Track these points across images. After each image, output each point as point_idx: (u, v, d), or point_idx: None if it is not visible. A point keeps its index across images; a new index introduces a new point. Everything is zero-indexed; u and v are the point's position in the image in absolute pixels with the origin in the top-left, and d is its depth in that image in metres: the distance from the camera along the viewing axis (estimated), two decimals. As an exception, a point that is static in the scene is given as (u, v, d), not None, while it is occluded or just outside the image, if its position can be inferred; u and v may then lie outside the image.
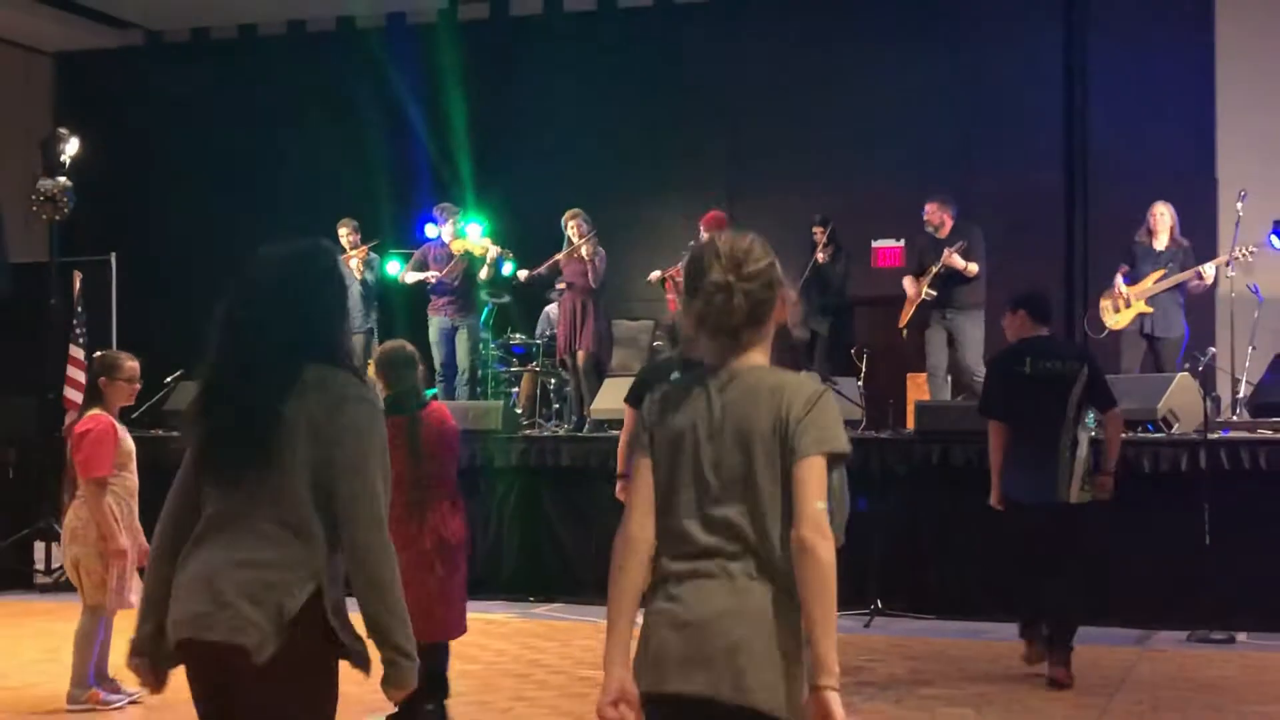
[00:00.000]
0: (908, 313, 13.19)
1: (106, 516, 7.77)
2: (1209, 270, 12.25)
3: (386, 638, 3.71)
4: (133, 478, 8.08)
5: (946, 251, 12.64)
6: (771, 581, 3.35)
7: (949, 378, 12.94)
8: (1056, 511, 8.34)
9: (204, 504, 3.78)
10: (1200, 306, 13.20)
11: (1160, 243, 12.50)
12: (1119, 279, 12.62)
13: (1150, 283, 12.40)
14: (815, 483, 3.32)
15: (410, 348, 7.29)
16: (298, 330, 3.93)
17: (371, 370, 7.35)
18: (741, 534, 3.38)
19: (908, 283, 13.17)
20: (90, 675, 7.90)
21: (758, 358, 3.55)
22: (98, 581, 7.83)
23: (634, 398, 7.84)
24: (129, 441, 8.01)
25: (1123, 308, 12.56)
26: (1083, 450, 8.40)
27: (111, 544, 7.80)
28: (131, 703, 7.84)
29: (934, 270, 12.80)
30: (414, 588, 6.66)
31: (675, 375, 4.55)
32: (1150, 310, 12.42)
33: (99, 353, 8.17)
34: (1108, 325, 12.76)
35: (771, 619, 3.33)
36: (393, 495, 6.73)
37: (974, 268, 12.68)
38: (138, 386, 8.10)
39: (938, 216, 12.96)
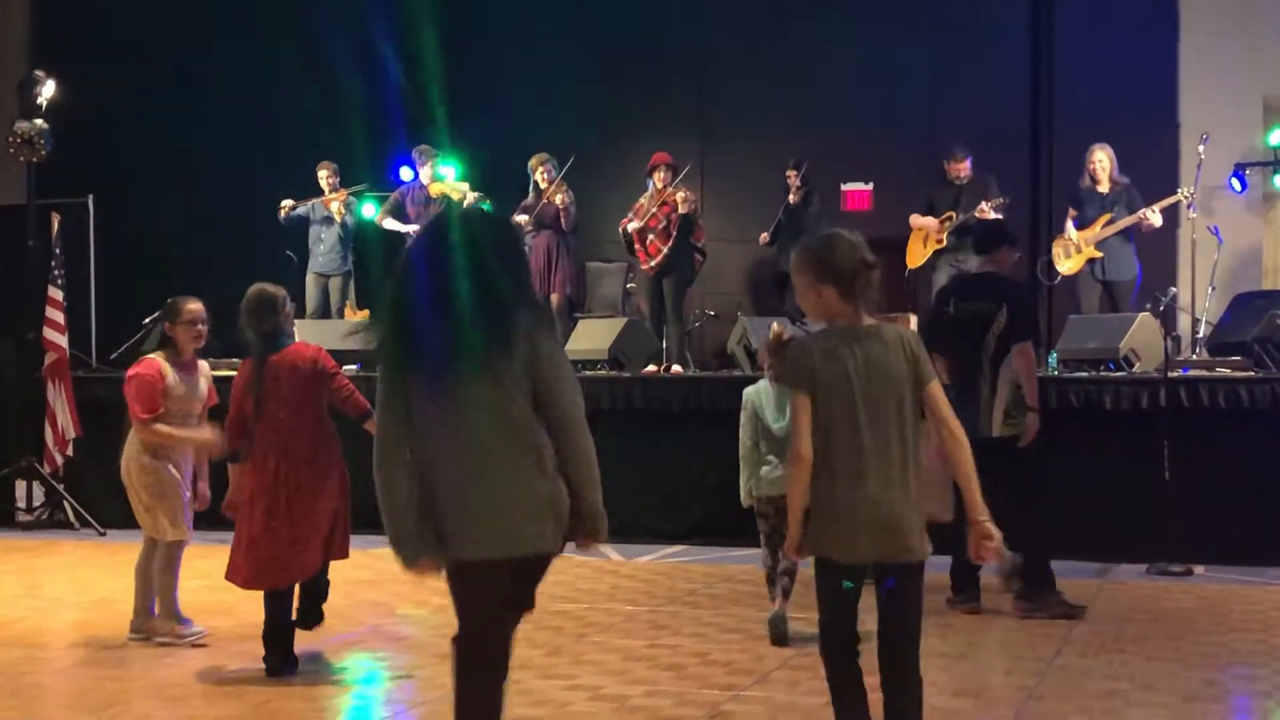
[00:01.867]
0: (922, 258, 13.31)
1: (154, 448, 7.88)
2: (1154, 216, 12.42)
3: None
4: (182, 418, 7.96)
5: (983, 206, 12.74)
6: None
7: None
8: (981, 446, 8.53)
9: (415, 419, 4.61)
10: (1161, 247, 13.40)
11: (1103, 185, 12.68)
12: (1069, 224, 12.82)
13: (1098, 227, 12.58)
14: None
15: (271, 290, 7.41)
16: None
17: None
18: None
19: (915, 220, 13.29)
20: (153, 607, 7.94)
21: None
22: (170, 517, 7.85)
23: None
24: (177, 383, 7.91)
25: (1073, 253, 12.74)
26: (1001, 388, 8.57)
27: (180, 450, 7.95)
28: (200, 640, 7.86)
29: (956, 217, 12.95)
30: (268, 533, 7.02)
31: None
32: (1100, 255, 12.61)
33: (169, 299, 8.13)
34: (1060, 271, 12.96)
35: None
36: (255, 435, 6.95)
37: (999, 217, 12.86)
38: (201, 328, 7.93)
39: (967, 171, 13.14)
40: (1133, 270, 12.67)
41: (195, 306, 8.02)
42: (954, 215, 13.03)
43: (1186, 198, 12.57)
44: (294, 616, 7.28)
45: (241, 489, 7.22)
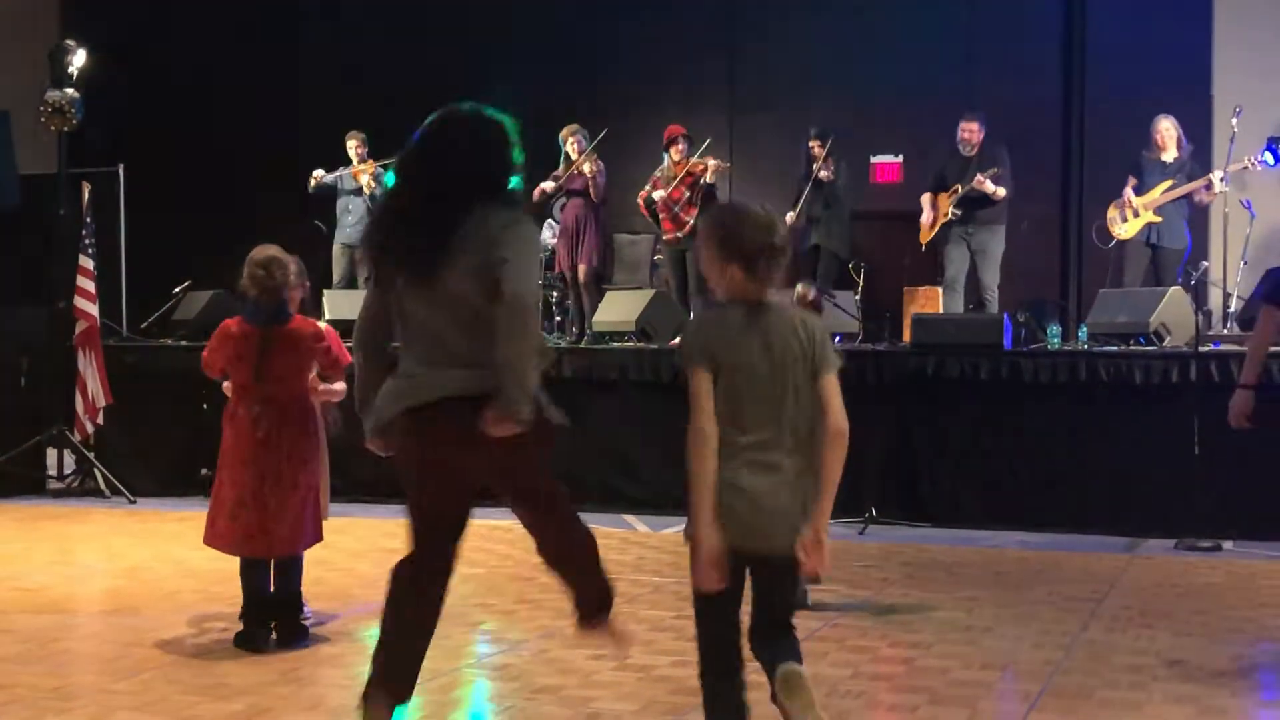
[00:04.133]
0: (931, 232, 13.29)
1: None
2: (1217, 178, 12.40)
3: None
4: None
5: (980, 177, 12.74)
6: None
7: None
8: None
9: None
10: (1194, 221, 13.34)
11: (1169, 155, 12.67)
12: (1128, 190, 12.77)
13: (1159, 193, 12.56)
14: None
15: (284, 257, 7.16)
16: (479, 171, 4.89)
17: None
18: None
19: (926, 200, 13.27)
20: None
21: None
22: None
23: None
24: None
25: (1130, 217, 12.72)
26: None
27: None
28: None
29: (960, 190, 12.92)
30: (254, 502, 6.95)
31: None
32: (1158, 220, 12.60)
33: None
34: (1115, 235, 12.92)
35: None
36: (238, 406, 6.99)
37: (1002, 192, 12.82)
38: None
39: (977, 135, 13.08)
40: (1183, 241, 12.68)
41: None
42: (959, 188, 12.98)
43: (1252, 164, 12.55)
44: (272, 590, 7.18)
45: (230, 453, 7.12)
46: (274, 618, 7.11)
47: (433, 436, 4.83)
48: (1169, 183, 12.56)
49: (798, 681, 4.49)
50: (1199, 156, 13.19)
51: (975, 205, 12.92)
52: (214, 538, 7.11)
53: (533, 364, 4.68)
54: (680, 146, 13.52)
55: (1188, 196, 12.57)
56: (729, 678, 4.59)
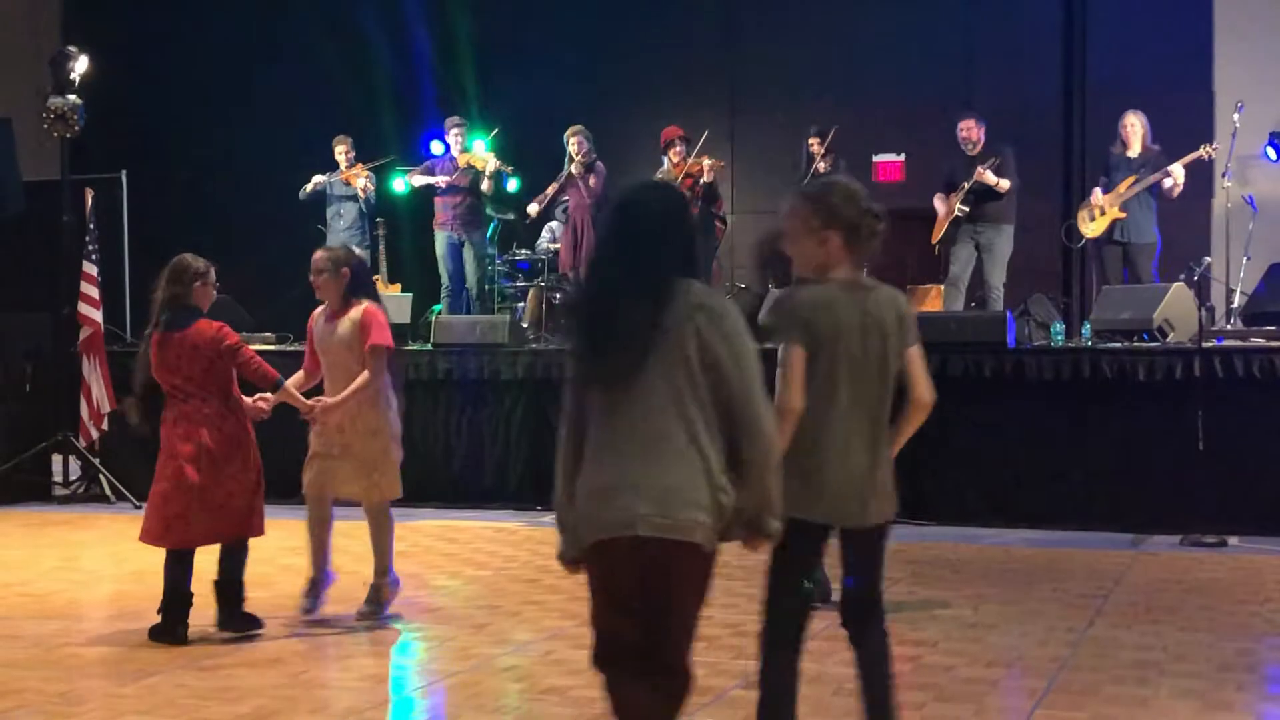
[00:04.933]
0: (941, 229, 13.29)
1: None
2: (1177, 170, 12.31)
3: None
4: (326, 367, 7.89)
5: (979, 169, 12.75)
6: None
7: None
8: None
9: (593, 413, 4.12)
10: (1195, 217, 13.34)
11: (1133, 150, 12.62)
12: (1096, 190, 12.77)
13: (1123, 188, 12.53)
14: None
15: (185, 261, 7.59)
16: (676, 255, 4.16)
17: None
18: None
19: (939, 200, 13.26)
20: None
21: None
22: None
23: None
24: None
25: (1098, 215, 12.69)
26: None
27: None
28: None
29: (965, 186, 12.92)
30: (175, 494, 7.21)
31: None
32: (1123, 216, 12.55)
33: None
34: (1085, 234, 12.91)
35: None
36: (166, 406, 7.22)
37: (1005, 184, 12.81)
38: (316, 282, 7.82)
39: (976, 133, 13.06)
40: (1152, 236, 12.60)
41: (319, 254, 7.96)
42: (964, 186, 12.97)
43: (1208, 154, 12.45)
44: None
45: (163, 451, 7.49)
46: (186, 610, 7.38)
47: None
48: (1133, 178, 12.51)
49: (882, 655, 4.70)
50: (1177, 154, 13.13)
51: (982, 201, 12.90)
52: (143, 533, 7.52)
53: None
54: (678, 148, 13.54)
55: (1158, 190, 12.49)
56: (791, 648, 4.65)
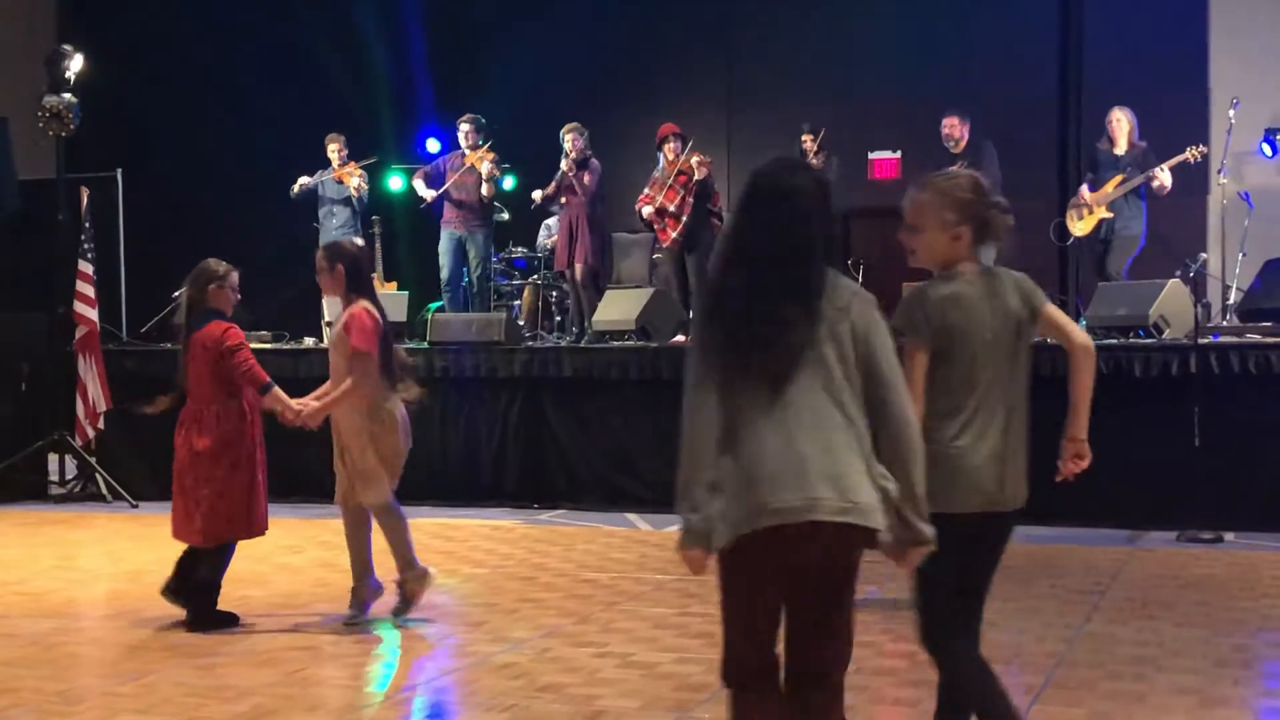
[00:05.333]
0: None
1: None
2: (1164, 174, 12.31)
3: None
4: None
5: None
6: None
7: None
8: None
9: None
10: (1191, 213, 13.34)
11: (1120, 148, 12.61)
12: (1083, 187, 12.76)
13: (1111, 187, 12.53)
14: None
15: (209, 265, 7.76)
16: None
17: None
18: None
19: None
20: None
21: None
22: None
23: None
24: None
25: (1086, 215, 12.69)
26: None
27: None
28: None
29: None
30: (174, 493, 7.48)
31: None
32: (1111, 215, 12.55)
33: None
34: (1073, 233, 12.91)
35: None
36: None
37: None
38: (319, 280, 7.85)
39: (959, 130, 13.05)
40: (1136, 232, 12.59)
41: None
42: None
43: (1195, 157, 12.44)
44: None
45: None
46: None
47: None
48: (1120, 176, 12.50)
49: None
50: (1163, 152, 13.11)
51: None
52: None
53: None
54: (673, 145, 13.54)
55: (1146, 189, 12.49)
56: (961, 636, 4.65)
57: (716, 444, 3.95)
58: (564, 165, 13.84)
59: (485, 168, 14.33)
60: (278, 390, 7.63)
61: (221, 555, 7.67)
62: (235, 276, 7.81)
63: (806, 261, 3.97)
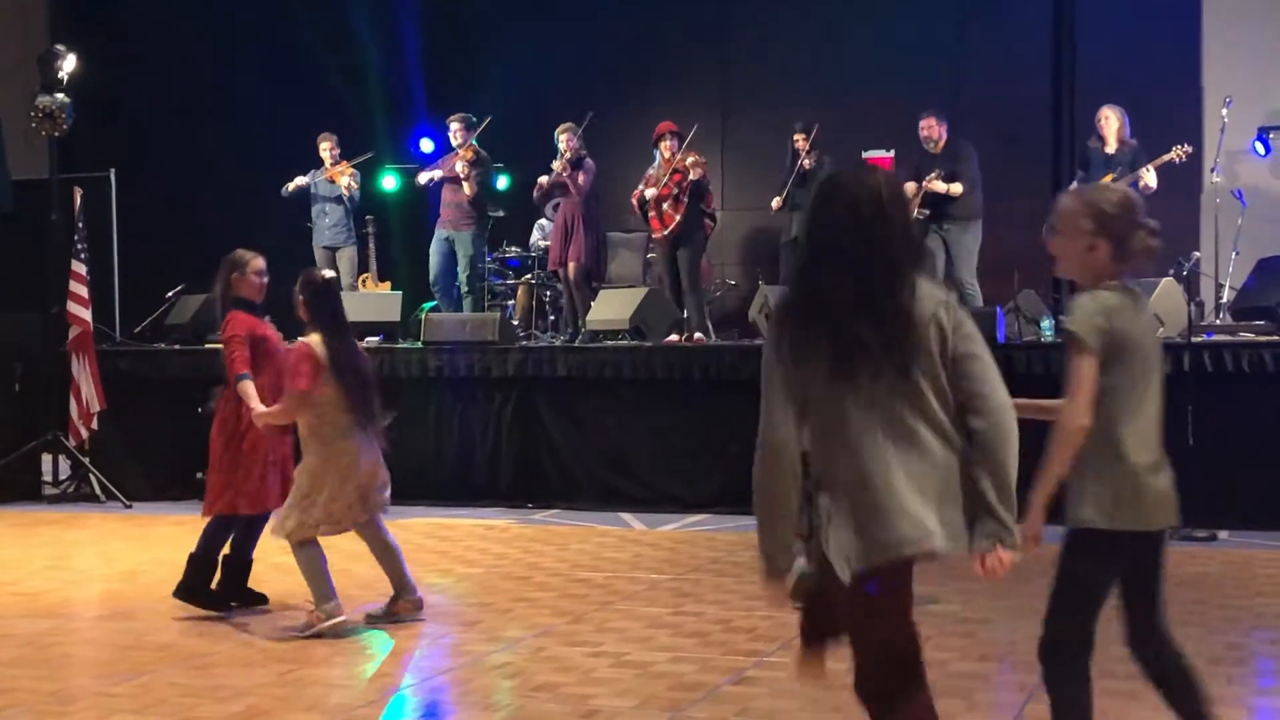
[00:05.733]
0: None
1: None
2: (1148, 175, 12.29)
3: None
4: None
5: (926, 180, 12.74)
6: None
7: None
8: None
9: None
10: (1184, 212, 13.34)
11: (1110, 146, 12.61)
12: (1073, 185, 12.76)
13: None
14: None
15: (230, 255, 8.05)
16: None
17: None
18: None
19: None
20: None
21: None
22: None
23: None
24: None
25: None
26: None
27: None
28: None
29: (920, 189, 12.91)
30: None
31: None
32: None
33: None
34: None
35: None
36: None
37: (957, 189, 12.79)
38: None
39: (936, 131, 13.05)
40: None
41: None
42: (917, 188, 12.92)
43: (1180, 156, 12.41)
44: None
45: None
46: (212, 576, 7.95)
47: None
48: (1110, 176, 12.49)
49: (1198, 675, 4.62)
50: (1155, 151, 13.09)
51: (942, 203, 12.89)
52: None
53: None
54: (669, 143, 13.53)
55: (1137, 189, 12.47)
56: (1088, 654, 4.62)
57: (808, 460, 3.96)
58: (556, 165, 13.82)
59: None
60: (247, 384, 7.70)
61: (219, 531, 7.86)
62: (259, 263, 7.98)
63: (898, 265, 3.91)
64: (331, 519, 7.42)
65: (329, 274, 8.19)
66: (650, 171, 13.70)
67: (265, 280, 7.99)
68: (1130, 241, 4.43)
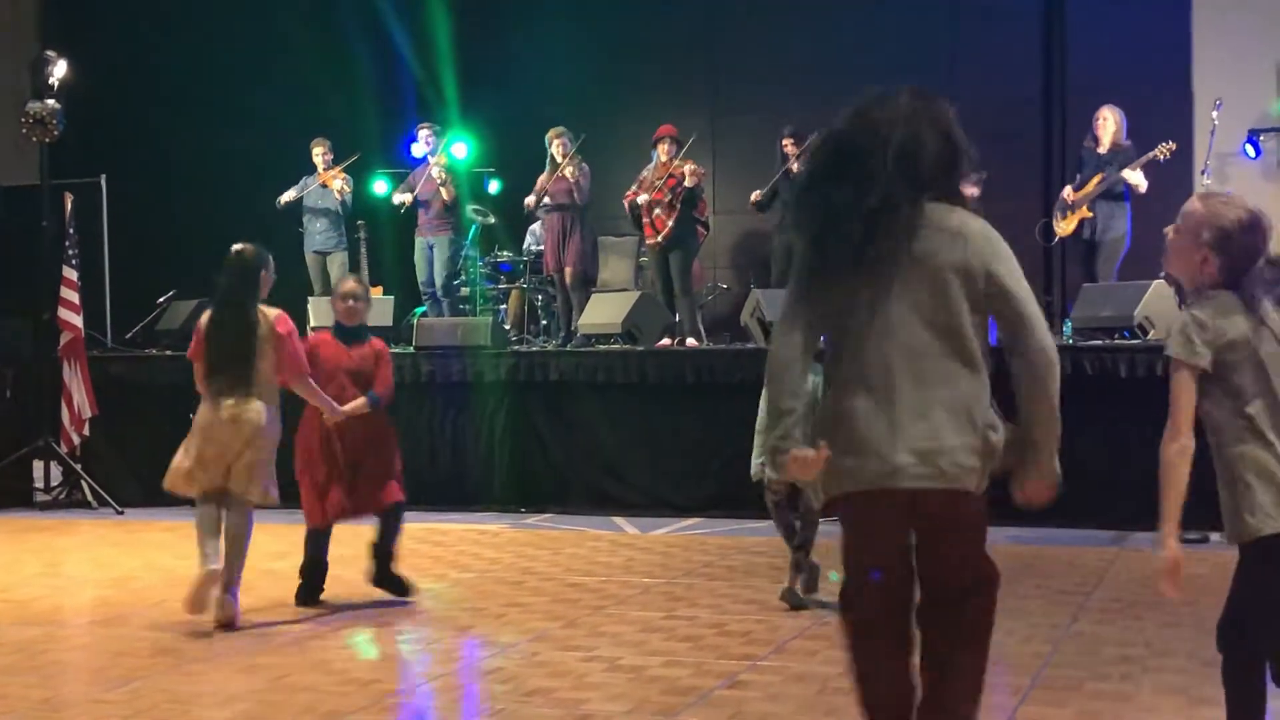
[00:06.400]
0: None
1: None
2: (1133, 175, 12.27)
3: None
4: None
5: None
6: None
7: None
8: None
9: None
10: (1174, 215, 13.31)
11: (1104, 146, 12.61)
12: (1068, 187, 12.78)
13: (1092, 186, 12.52)
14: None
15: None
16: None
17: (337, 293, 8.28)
18: None
19: None
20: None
21: None
22: None
23: None
24: None
25: (1069, 214, 12.70)
26: None
27: None
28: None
29: None
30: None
31: None
32: (1091, 215, 12.53)
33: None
34: (1057, 232, 12.92)
35: None
36: None
37: None
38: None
39: None
40: (1119, 233, 12.55)
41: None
42: None
43: (1165, 154, 12.38)
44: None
45: None
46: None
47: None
48: (1099, 177, 12.50)
49: None
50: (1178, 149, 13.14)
51: None
52: None
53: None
54: (667, 146, 13.55)
55: (1129, 189, 12.46)
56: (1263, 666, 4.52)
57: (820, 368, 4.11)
58: (570, 173, 13.81)
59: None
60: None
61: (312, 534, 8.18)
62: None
63: (915, 178, 4.15)
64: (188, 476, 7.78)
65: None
66: (644, 174, 13.71)
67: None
68: (1238, 267, 4.36)
